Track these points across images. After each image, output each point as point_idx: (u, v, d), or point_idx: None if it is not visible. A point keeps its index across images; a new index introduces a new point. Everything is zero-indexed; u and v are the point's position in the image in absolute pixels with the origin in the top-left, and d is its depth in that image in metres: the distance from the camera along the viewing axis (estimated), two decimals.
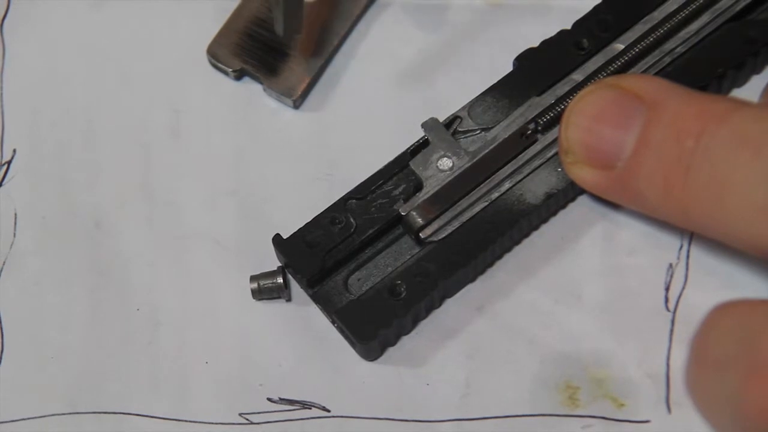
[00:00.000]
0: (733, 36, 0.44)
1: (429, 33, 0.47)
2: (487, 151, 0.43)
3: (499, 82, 0.44)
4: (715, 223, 0.37)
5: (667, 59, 0.44)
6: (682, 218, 0.38)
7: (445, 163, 0.43)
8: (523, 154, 0.43)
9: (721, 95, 0.43)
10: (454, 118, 0.44)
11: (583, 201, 0.44)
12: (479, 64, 0.46)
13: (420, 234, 0.42)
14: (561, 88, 0.44)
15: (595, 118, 0.40)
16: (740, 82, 0.45)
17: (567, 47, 0.44)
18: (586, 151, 0.40)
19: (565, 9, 0.46)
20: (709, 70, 0.43)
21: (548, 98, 0.43)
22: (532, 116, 0.43)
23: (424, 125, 0.43)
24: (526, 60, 0.44)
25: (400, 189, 0.43)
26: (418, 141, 0.43)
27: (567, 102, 0.43)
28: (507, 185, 0.43)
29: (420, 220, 0.42)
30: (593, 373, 0.42)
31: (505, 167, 0.43)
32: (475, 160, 0.42)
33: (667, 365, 0.42)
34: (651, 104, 0.38)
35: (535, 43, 0.45)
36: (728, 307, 0.36)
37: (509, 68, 0.45)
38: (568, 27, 0.45)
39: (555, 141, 0.43)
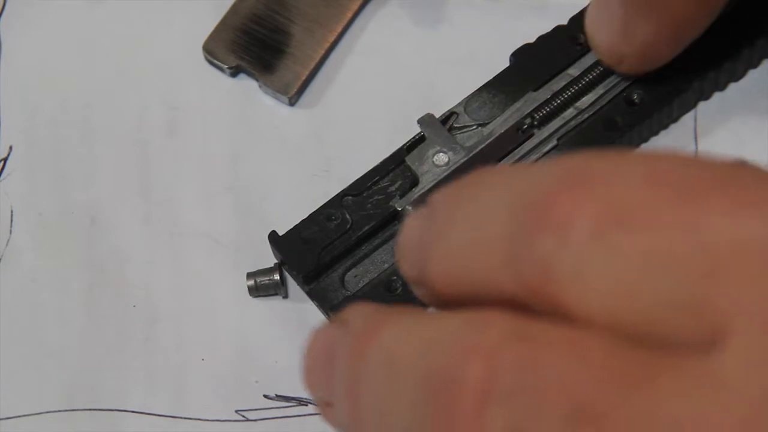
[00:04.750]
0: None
1: (426, 29, 0.47)
2: (483, 146, 0.43)
3: (495, 77, 0.44)
4: None
5: None
6: None
7: (441, 158, 0.43)
8: (519, 148, 0.43)
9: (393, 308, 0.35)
10: (450, 114, 0.44)
11: None
12: (476, 60, 0.46)
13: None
14: (557, 83, 0.44)
15: (309, 358, 0.35)
16: None
17: (563, 42, 0.44)
18: (312, 395, 0.35)
19: (561, 5, 0.46)
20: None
21: (545, 93, 0.43)
22: (529, 111, 0.43)
23: (420, 121, 0.43)
24: (522, 55, 0.44)
25: (396, 185, 0.43)
26: (414, 137, 0.43)
27: (564, 96, 0.43)
28: None
29: None
30: None
31: (502, 162, 0.43)
32: (471, 155, 0.42)
33: None
34: (345, 331, 0.33)
35: (532, 39, 0.45)
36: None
37: (506, 64, 0.45)
38: (564, 22, 0.45)
39: (551, 135, 0.43)
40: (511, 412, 0.26)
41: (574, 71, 0.44)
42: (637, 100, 0.43)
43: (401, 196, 0.42)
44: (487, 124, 0.43)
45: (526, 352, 0.26)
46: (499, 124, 0.43)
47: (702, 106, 0.45)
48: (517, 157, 0.43)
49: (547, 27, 0.45)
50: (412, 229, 0.31)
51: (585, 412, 0.25)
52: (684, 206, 0.25)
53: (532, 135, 0.43)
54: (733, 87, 0.45)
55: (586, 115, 0.43)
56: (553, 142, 0.43)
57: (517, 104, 0.43)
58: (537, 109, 0.43)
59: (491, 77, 0.44)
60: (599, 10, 0.42)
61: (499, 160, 0.43)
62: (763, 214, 0.25)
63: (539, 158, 0.43)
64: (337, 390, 0.32)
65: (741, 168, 0.26)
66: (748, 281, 0.24)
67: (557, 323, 0.26)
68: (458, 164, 0.42)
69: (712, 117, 0.45)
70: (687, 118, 0.45)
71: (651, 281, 0.25)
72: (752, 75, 0.45)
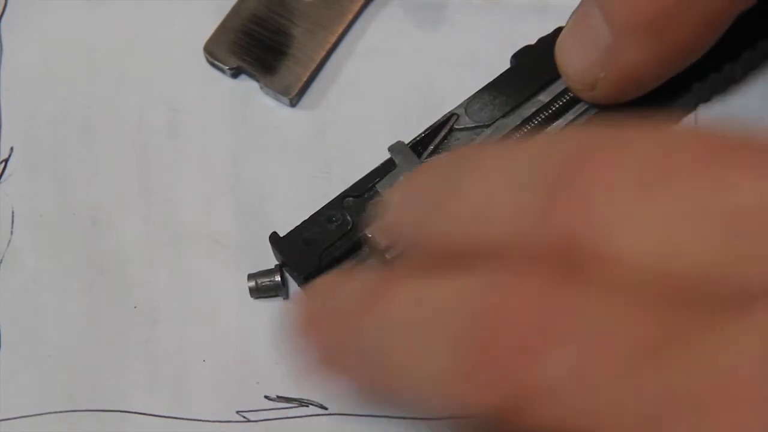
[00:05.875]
0: None
1: (427, 30, 0.47)
2: None
3: (495, 79, 0.44)
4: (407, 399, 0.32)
5: None
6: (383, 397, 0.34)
7: None
8: None
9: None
10: (450, 116, 0.44)
11: None
12: (476, 62, 0.46)
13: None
14: (527, 110, 0.43)
15: (316, 314, 0.34)
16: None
17: None
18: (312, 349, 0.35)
19: (562, 6, 0.45)
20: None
21: (515, 119, 0.43)
22: (499, 137, 0.43)
23: (391, 149, 0.43)
24: (523, 57, 0.44)
25: None
26: (381, 163, 0.43)
27: (533, 122, 0.43)
28: None
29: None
30: None
31: None
32: None
33: None
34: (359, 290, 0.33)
35: (533, 41, 0.45)
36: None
37: (507, 65, 0.45)
38: (565, 24, 0.45)
39: None
40: (567, 355, 0.26)
41: (544, 97, 0.44)
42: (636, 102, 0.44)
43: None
44: (489, 125, 0.44)
45: (574, 296, 0.26)
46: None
47: (702, 108, 0.45)
48: None
49: (548, 28, 0.45)
50: (419, 184, 0.30)
51: (642, 353, 0.25)
52: (720, 165, 0.25)
53: None
54: (733, 89, 0.45)
55: None
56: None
57: (488, 131, 0.43)
58: (507, 136, 0.43)
59: (492, 79, 0.44)
60: (576, 30, 0.41)
61: None
62: None
63: None
64: (349, 349, 0.31)
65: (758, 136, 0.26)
66: None
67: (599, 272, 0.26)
68: None
69: (712, 119, 0.45)
70: (687, 121, 0.45)
71: (694, 236, 0.25)
72: (752, 77, 0.45)
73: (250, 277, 0.43)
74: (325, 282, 0.34)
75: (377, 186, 0.43)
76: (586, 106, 0.44)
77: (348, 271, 0.34)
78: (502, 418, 0.27)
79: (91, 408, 0.43)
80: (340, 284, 0.32)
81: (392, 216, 0.32)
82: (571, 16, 0.41)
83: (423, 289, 0.29)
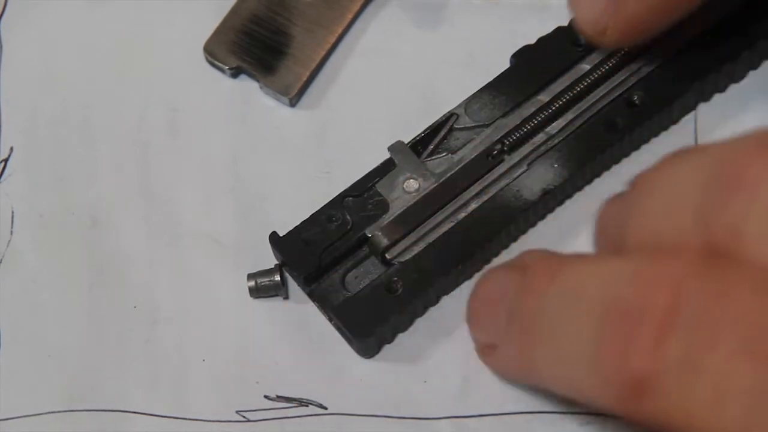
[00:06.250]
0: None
1: (426, 30, 0.47)
2: (453, 172, 0.43)
3: (495, 79, 0.44)
4: (545, 377, 0.35)
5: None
6: (529, 376, 0.37)
7: (412, 185, 0.43)
8: (489, 174, 0.43)
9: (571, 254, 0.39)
10: (450, 115, 0.44)
11: (588, 190, 0.44)
12: (476, 61, 0.46)
13: (386, 255, 0.42)
14: (527, 109, 0.43)
15: (482, 301, 0.39)
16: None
17: (564, 44, 0.44)
18: (476, 335, 0.41)
19: (562, 6, 0.45)
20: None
21: (514, 119, 0.43)
22: (498, 137, 0.43)
23: (390, 148, 0.43)
24: (523, 57, 0.45)
25: None
26: (381, 163, 0.43)
27: (533, 122, 0.43)
28: (473, 205, 0.43)
29: (386, 241, 0.42)
30: None
31: (470, 188, 0.43)
32: (441, 181, 0.43)
33: None
34: (521, 274, 0.37)
35: (532, 40, 0.45)
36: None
37: (506, 65, 0.45)
38: (565, 23, 0.45)
39: (521, 160, 0.43)
40: (687, 341, 0.29)
41: (544, 97, 0.44)
42: (637, 102, 0.44)
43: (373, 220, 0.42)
44: (488, 125, 0.44)
45: (712, 285, 0.29)
46: (469, 151, 0.43)
47: (702, 107, 0.45)
48: (486, 183, 0.43)
49: (547, 28, 0.45)
50: (609, 207, 0.35)
51: (757, 347, 0.28)
52: None
53: (502, 161, 0.43)
54: (733, 88, 0.45)
55: (557, 140, 0.43)
56: (524, 168, 0.43)
57: (487, 130, 0.43)
58: (507, 135, 0.43)
59: (492, 78, 0.44)
60: None
61: (470, 186, 0.43)
62: None
63: (509, 183, 0.43)
64: (510, 329, 0.37)
65: None
66: None
67: (740, 266, 0.29)
68: (428, 190, 0.43)
69: (712, 118, 0.45)
70: (687, 120, 0.45)
71: None
72: (752, 76, 0.45)
73: (250, 276, 0.43)
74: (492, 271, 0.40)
75: (377, 186, 0.43)
76: (585, 107, 0.44)
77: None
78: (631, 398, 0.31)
79: (90, 408, 0.43)
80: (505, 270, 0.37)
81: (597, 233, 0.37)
82: None
83: (588, 267, 0.33)
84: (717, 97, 0.45)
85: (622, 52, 0.44)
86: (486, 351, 0.40)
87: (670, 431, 0.30)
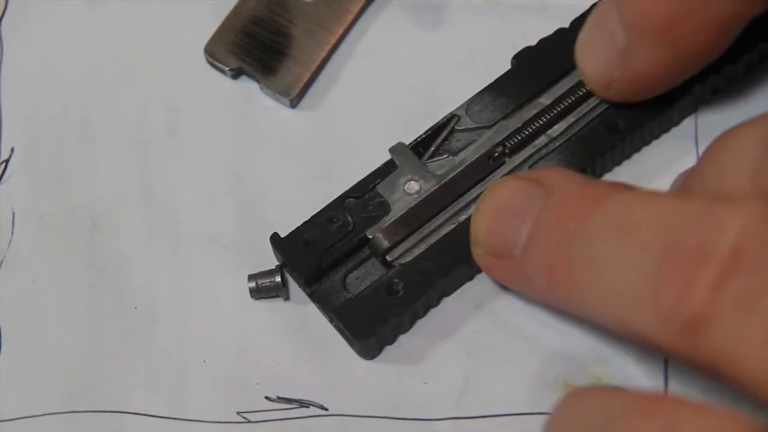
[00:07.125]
0: None
1: (427, 31, 0.47)
2: (454, 174, 0.43)
3: (496, 80, 0.44)
4: (589, 308, 0.36)
5: None
6: (565, 303, 0.37)
7: (413, 186, 0.43)
8: (491, 176, 0.43)
9: (612, 181, 0.40)
10: (451, 117, 0.44)
11: None
12: (477, 62, 0.46)
13: (387, 256, 0.42)
14: (528, 112, 0.43)
15: (499, 208, 0.39)
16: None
17: (565, 45, 0.44)
18: (490, 240, 0.39)
19: (563, 7, 0.46)
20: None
21: (516, 121, 0.43)
22: (500, 139, 0.43)
23: (391, 150, 0.43)
24: (524, 58, 0.45)
25: None
26: (382, 164, 0.43)
27: (535, 125, 0.43)
28: (474, 208, 0.42)
29: (387, 242, 0.42)
30: (592, 372, 0.42)
31: (472, 190, 0.43)
32: (442, 183, 0.43)
33: (665, 364, 0.42)
34: (548, 192, 0.37)
35: (533, 42, 0.45)
36: (583, 393, 0.34)
37: (507, 66, 0.45)
38: (566, 25, 0.45)
39: (523, 162, 0.43)
40: (747, 283, 0.31)
41: (545, 99, 0.44)
42: (638, 104, 0.44)
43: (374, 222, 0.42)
44: (489, 126, 0.44)
45: None
46: (471, 153, 0.43)
47: (703, 109, 0.45)
48: (487, 185, 0.43)
49: (548, 29, 0.45)
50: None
51: None
52: None
53: (503, 163, 0.43)
54: (733, 90, 0.45)
55: (558, 143, 0.43)
56: (525, 170, 0.43)
57: (489, 132, 0.43)
58: (508, 138, 0.43)
59: (492, 80, 0.44)
60: (594, 31, 0.41)
61: (471, 188, 0.43)
62: None
63: None
64: (535, 247, 0.37)
65: None
66: None
67: None
68: (429, 192, 0.43)
69: (712, 120, 0.45)
70: (687, 122, 0.45)
71: None
72: (752, 78, 0.45)
73: (251, 277, 0.43)
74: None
75: (378, 187, 0.43)
76: (587, 110, 0.44)
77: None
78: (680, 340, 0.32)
79: (91, 409, 0.43)
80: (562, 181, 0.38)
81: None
82: (591, 14, 0.42)
83: (642, 200, 0.34)
84: (717, 99, 0.45)
85: None
86: (490, 260, 0.40)
87: (719, 372, 0.31)
